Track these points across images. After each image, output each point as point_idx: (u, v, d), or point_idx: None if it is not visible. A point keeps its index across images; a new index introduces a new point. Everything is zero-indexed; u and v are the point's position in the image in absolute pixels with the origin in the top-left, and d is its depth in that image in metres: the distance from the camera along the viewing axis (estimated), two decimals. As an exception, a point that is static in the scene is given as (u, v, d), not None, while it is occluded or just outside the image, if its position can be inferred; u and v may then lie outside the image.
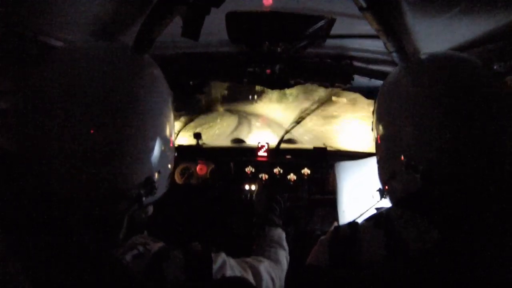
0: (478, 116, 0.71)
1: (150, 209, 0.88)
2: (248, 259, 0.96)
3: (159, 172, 0.78)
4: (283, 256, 1.16)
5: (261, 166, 2.08)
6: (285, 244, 1.25)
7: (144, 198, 0.74)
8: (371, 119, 1.01)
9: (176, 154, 0.91)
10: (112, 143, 0.69)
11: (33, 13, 0.91)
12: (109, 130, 0.69)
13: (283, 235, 1.31)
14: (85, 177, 0.67)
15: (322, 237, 0.89)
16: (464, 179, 0.71)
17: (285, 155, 2.16)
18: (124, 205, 0.73)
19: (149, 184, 0.75)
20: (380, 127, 0.90)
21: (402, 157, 0.79)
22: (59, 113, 0.67)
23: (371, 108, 1.05)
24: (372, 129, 0.99)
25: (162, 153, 0.79)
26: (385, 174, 0.89)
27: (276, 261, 1.09)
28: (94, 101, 0.68)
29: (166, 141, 0.80)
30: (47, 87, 0.69)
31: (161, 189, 0.82)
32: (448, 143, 0.72)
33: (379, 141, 0.92)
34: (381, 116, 0.91)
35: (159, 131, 0.78)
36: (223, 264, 0.82)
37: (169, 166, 0.85)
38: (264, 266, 0.96)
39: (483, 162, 0.70)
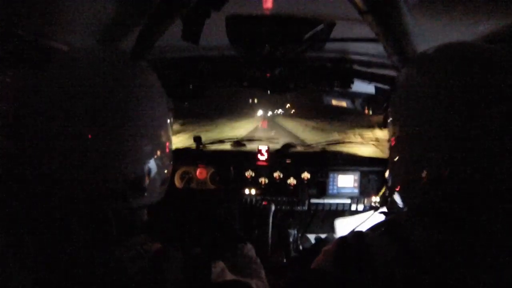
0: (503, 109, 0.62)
1: (144, 213, 0.87)
2: (240, 277, 0.95)
3: (149, 174, 0.78)
4: (263, 273, 1.15)
5: (261, 170, 2.08)
6: (258, 259, 1.24)
7: (131, 199, 0.75)
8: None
9: (172, 159, 0.91)
10: (102, 142, 0.70)
11: (35, 15, 0.92)
12: (100, 131, 0.70)
13: (253, 250, 1.30)
14: (78, 175, 0.69)
15: (326, 247, 0.87)
16: (488, 183, 0.64)
17: (285, 160, 2.15)
18: (110, 203, 0.73)
19: (136, 184, 0.75)
20: (395, 130, 0.84)
21: (419, 164, 0.73)
22: (55, 115, 0.68)
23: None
24: (388, 132, 0.92)
25: (152, 155, 0.79)
26: (398, 179, 0.84)
27: (261, 279, 1.09)
28: (88, 103, 0.69)
29: (156, 144, 0.81)
30: (43, 91, 0.71)
31: (153, 193, 0.81)
32: (472, 143, 0.64)
33: (392, 144, 0.87)
34: (395, 119, 0.85)
35: (150, 135, 0.79)
36: (223, 271, 0.82)
37: (162, 169, 0.84)
38: (256, 284, 0.96)
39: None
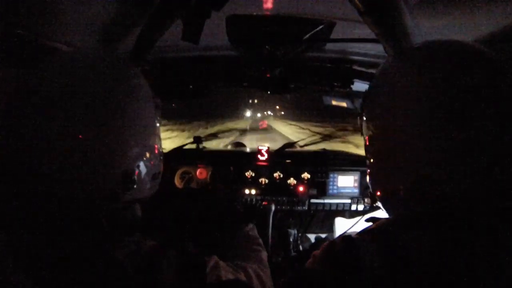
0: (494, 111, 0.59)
1: (137, 210, 0.88)
2: (237, 262, 0.96)
3: (138, 170, 0.79)
4: (264, 254, 1.15)
5: (261, 170, 2.08)
6: (260, 240, 1.24)
7: (120, 194, 0.75)
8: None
9: (162, 156, 0.93)
10: (96, 141, 0.71)
11: (35, 15, 0.92)
12: (96, 131, 0.71)
13: (255, 229, 1.31)
14: (70, 174, 0.69)
15: (315, 252, 0.84)
16: (473, 184, 0.62)
17: (285, 160, 2.15)
18: (100, 199, 0.73)
19: (126, 179, 0.76)
20: (370, 129, 0.80)
21: (396, 166, 0.69)
22: (47, 114, 0.69)
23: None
24: (362, 132, 0.87)
25: (141, 151, 0.80)
26: (378, 181, 0.81)
27: (260, 261, 1.09)
28: (81, 103, 0.70)
29: (147, 142, 0.83)
30: (38, 90, 0.71)
31: (143, 189, 0.83)
32: (457, 145, 0.61)
33: (367, 143, 0.82)
34: (369, 115, 0.81)
35: (141, 133, 0.81)
36: (216, 265, 0.83)
37: (151, 165, 0.85)
38: (253, 268, 0.97)
39: (497, 165, 0.60)
